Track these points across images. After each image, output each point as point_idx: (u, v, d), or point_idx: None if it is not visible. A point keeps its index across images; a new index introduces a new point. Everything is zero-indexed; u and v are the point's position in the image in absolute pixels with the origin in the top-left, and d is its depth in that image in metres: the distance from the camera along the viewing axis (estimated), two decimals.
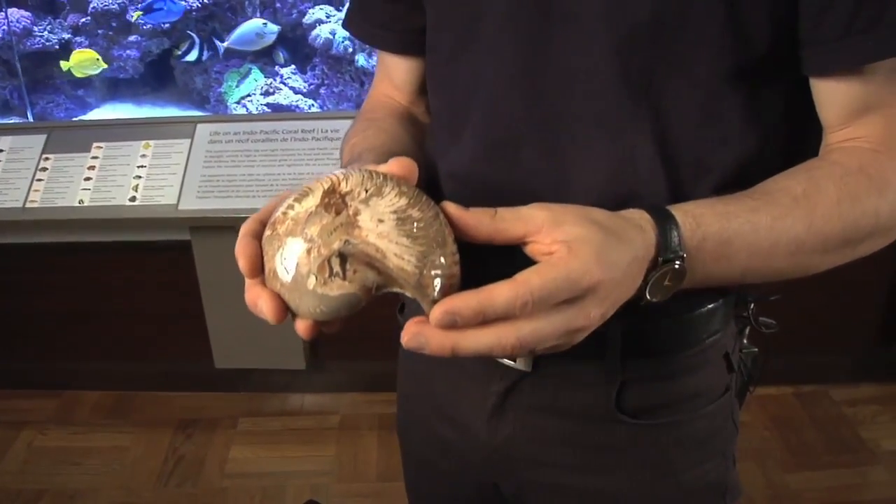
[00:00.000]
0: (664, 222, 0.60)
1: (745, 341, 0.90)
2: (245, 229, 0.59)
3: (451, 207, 0.56)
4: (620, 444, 0.84)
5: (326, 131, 2.15)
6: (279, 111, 2.43)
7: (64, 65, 2.42)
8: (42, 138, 2.20)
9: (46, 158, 2.16)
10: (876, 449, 2.31)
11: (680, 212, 0.62)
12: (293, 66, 2.49)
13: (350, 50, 2.39)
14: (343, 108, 2.45)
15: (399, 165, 0.57)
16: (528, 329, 0.53)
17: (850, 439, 2.35)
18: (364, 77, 2.43)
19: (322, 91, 2.48)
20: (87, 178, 2.11)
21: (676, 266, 0.60)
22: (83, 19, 2.46)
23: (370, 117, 0.88)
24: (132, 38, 2.47)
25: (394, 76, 0.92)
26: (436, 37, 0.81)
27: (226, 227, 2.06)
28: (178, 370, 2.53)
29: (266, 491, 2.20)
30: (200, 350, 2.36)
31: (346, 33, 2.33)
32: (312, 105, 2.47)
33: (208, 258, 2.22)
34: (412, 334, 0.54)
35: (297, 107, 2.45)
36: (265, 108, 2.44)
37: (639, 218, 0.61)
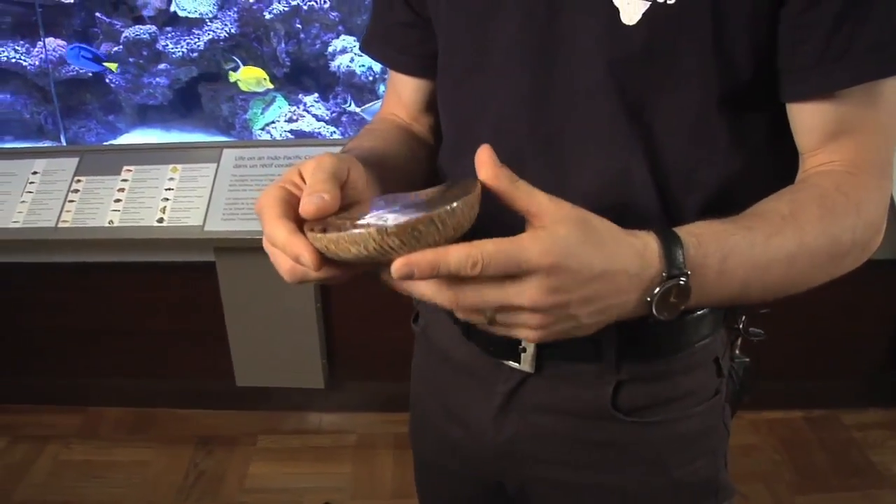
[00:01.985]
0: (669, 242, 0.65)
1: (737, 351, 0.94)
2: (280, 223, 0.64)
3: (485, 153, 0.62)
4: (617, 441, 0.89)
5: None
6: (302, 138, 2.49)
7: (232, 76, 2.52)
8: (74, 161, 2.27)
9: (78, 180, 2.23)
10: (886, 472, 2.33)
11: (683, 232, 0.67)
12: (316, 94, 2.57)
13: (371, 79, 2.47)
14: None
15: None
16: (469, 288, 0.58)
17: (860, 463, 2.37)
18: None
19: (344, 119, 2.55)
20: (118, 200, 2.18)
21: (681, 282, 0.64)
22: (115, 48, 2.55)
23: (372, 128, 0.95)
24: (161, 66, 2.56)
25: (402, 95, 0.99)
26: (447, 61, 0.88)
27: (249, 248, 2.12)
28: (199, 388, 2.58)
29: None
30: (222, 368, 2.42)
31: (368, 63, 2.42)
32: (334, 132, 2.54)
33: (232, 278, 2.29)
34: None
35: (319, 133, 2.51)
36: (288, 134, 2.50)
37: (644, 238, 0.65)
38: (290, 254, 0.61)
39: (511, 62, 0.79)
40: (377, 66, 2.46)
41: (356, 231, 0.57)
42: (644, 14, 0.72)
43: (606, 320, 0.65)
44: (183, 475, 2.36)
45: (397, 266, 0.56)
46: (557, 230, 0.59)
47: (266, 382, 2.47)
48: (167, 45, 2.52)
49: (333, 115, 2.56)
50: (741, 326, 0.92)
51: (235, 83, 2.52)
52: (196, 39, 2.50)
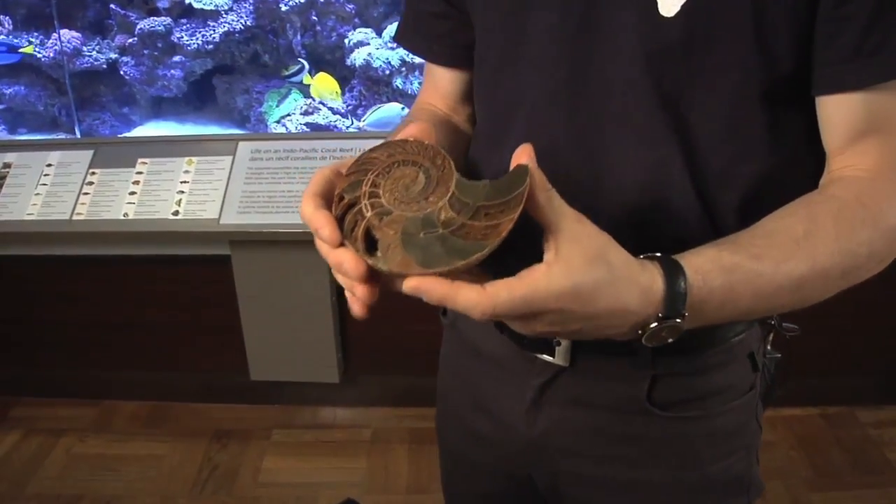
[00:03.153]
0: (674, 283, 0.64)
1: (768, 346, 0.94)
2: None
3: (526, 152, 0.62)
4: (651, 436, 0.89)
5: (364, 150, 2.18)
6: (318, 130, 2.49)
7: (306, 79, 2.54)
8: (89, 154, 2.27)
9: (93, 173, 2.23)
10: None
11: (692, 268, 0.65)
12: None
13: (388, 72, 2.46)
14: (383, 128, 2.50)
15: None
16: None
17: (877, 461, 2.36)
18: (400, 98, 2.49)
19: (360, 111, 2.54)
20: (132, 193, 2.18)
21: (676, 322, 0.65)
22: (130, 40, 2.54)
23: (411, 119, 0.94)
24: (176, 58, 2.55)
25: (439, 86, 0.98)
26: (483, 51, 0.87)
27: (265, 241, 2.12)
28: (214, 381, 2.58)
29: (299, 500, 2.24)
30: (237, 362, 2.41)
31: (385, 56, 2.40)
32: (350, 125, 2.53)
33: (247, 272, 2.27)
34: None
35: (335, 126, 2.50)
36: (304, 127, 2.49)
37: (651, 273, 0.64)
38: (311, 227, 0.63)
39: (547, 54, 0.78)
40: (395, 60, 2.45)
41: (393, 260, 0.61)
42: (682, 6, 0.71)
43: (590, 338, 0.66)
44: (197, 469, 2.36)
45: (410, 286, 0.58)
46: (574, 269, 0.59)
47: (280, 377, 2.47)
48: (182, 37, 2.51)
49: (349, 107, 2.55)
50: (774, 322, 0.92)
51: (242, 74, 2.50)
52: (211, 31, 2.49)
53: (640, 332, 0.65)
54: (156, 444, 2.46)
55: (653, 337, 0.65)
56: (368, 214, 0.62)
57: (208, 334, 2.49)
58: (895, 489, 2.26)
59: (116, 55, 2.58)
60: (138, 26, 2.51)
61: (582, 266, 0.59)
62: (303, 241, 2.07)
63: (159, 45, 2.54)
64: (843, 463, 2.36)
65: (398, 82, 2.46)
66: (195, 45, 2.51)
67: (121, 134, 2.62)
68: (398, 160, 0.65)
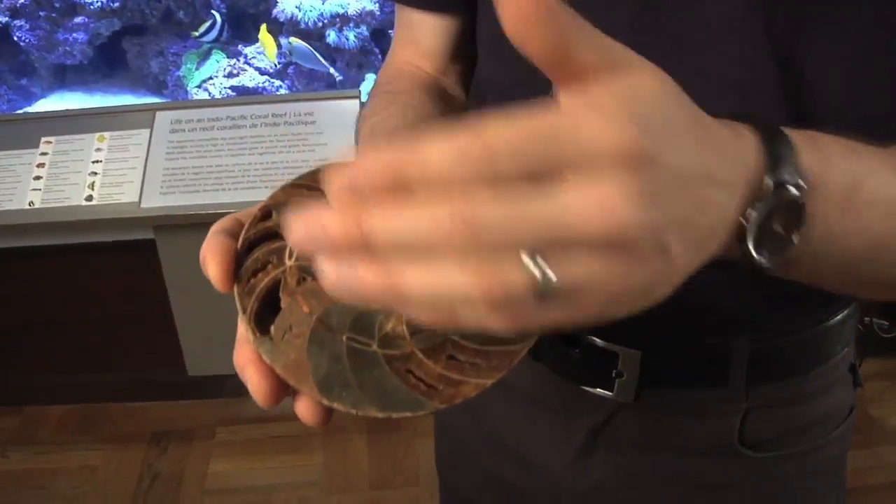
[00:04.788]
0: (774, 136, 0.39)
1: None
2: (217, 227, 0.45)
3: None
4: (739, 482, 0.72)
5: (300, 114, 1.99)
6: (245, 94, 2.27)
7: (262, 34, 2.25)
8: None
9: None
10: (886, 427, 2.23)
11: (797, 133, 0.41)
12: (257, 45, 2.32)
13: (320, 24, 2.22)
14: (315, 88, 2.28)
15: None
16: (483, 198, 0.29)
17: (860, 418, 2.26)
18: (336, 55, 2.26)
19: (290, 70, 2.31)
20: (37, 178, 1.94)
21: (794, 193, 0.38)
22: (21, 0, 2.26)
23: (391, 90, 0.72)
24: (78, 19, 2.27)
25: (421, 40, 0.76)
26: None
27: (193, 224, 1.91)
28: (147, 379, 2.38)
29: None
30: (171, 357, 2.20)
31: (315, 6, 2.17)
32: (281, 87, 2.31)
33: (175, 258, 2.06)
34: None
35: (264, 89, 2.28)
36: (229, 91, 2.27)
37: (733, 125, 0.39)
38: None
39: None
40: (327, 10, 2.21)
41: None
42: None
43: (696, 259, 0.35)
44: (136, 479, 2.16)
45: (331, 177, 0.30)
46: (640, 80, 0.33)
47: (221, 370, 2.26)
48: None
49: (279, 67, 2.31)
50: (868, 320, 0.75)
51: (155, 35, 2.25)
52: None
53: (743, 221, 0.38)
54: (88, 453, 2.25)
55: (765, 232, 0.38)
56: (290, 262, 0.42)
57: (138, 328, 2.28)
58: (884, 448, 2.16)
59: (7, 18, 2.29)
60: None
61: (653, 77, 0.34)
62: None
63: (57, 4, 2.26)
64: None
65: (332, 36, 2.23)
66: (98, 4, 2.24)
67: (19, 109, 2.37)
68: None
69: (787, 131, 0.40)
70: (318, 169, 0.45)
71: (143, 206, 1.89)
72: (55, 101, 2.41)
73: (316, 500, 2.06)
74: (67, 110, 2.23)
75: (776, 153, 0.38)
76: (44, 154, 1.98)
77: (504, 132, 0.29)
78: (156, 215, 1.90)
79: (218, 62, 2.30)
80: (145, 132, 2.00)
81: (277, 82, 2.30)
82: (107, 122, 2.03)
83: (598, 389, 0.68)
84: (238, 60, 2.30)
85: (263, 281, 0.41)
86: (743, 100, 0.55)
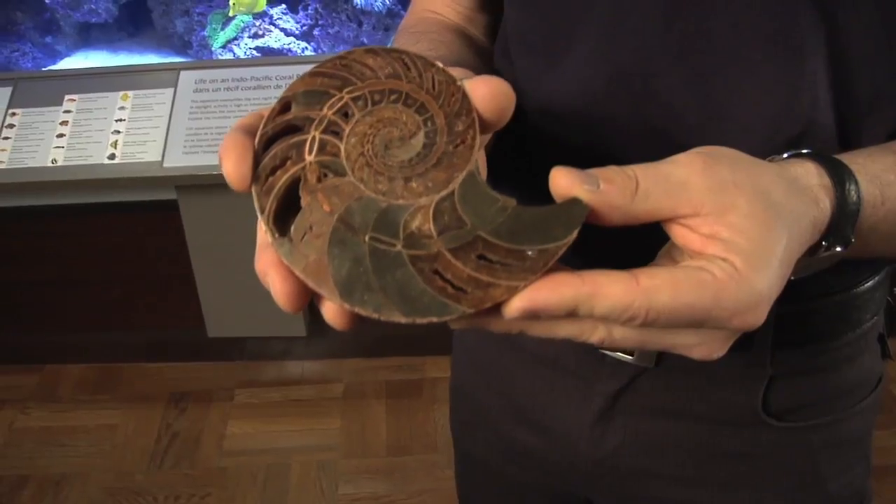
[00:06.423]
0: (845, 194, 0.44)
1: None
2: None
3: (562, 177, 0.38)
4: (761, 452, 0.69)
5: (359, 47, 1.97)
6: (269, 55, 2.24)
7: None
8: (7, 91, 2.00)
9: (13, 114, 1.96)
10: None
11: (863, 174, 0.45)
12: (283, 6, 2.29)
13: None
14: (339, 50, 2.24)
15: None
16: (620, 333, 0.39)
17: (884, 398, 2.22)
18: (362, 17, 2.22)
19: (316, 32, 2.28)
20: (60, 135, 1.93)
21: (837, 250, 0.45)
22: None
23: (417, 31, 0.69)
24: None
25: None
26: None
27: (216, 184, 1.88)
28: (167, 339, 2.36)
29: (269, 469, 2.04)
30: (192, 317, 2.21)
31: None
32: (306, 48, 2.27)
33: (197, 218, 2.05)
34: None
35: (289, 50, 2.25)
36: (254, 52, 2.24)
37: (818, 195, 0.44)
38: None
39: None
40: None
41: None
42: None
43: None
44: (154, 438, 2.15)
45: (515, 308, 0.37)
46: (748, 229, 0.39)
47: (240, 332, 2.25)
48: None
49: (304, 28, 2.28)
50: None
51: None
52: None
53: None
54: (107, 412, 2.24)
55: (802, 268, 0.47)
56: (309, 158, 0.39)
57: (158, 288, 2.27)
58: None
59: None
60: None
61: (764, 235, 0.39)
62: None
63: None
64: None
65: None
66: None
67: (44, 67, 2.33)
68: (400, 90, 0.40)
69: (857, 174, 0.45)
70: (336, 56, 0.42)
71: (165, 165, 1.87)
72: (80, 60, 2.38)
73: (334, 464, 2.04)
74: (92, 68, 2.22)
75: (842, 216, 0.44)
76: (67, 112, 1.96)
77: (670, 303, 0.37)
78: (178, 175, 1.88)
79: (243, 22, 2.27)
80: (169, 91, 1.98)
81: (303, 44, 2.27)
82: (131, 80, 2.02)
83: (619, 353, 0.66)
84: (263, 21, 2.27)
85: (282, 179, 0.39)
86: (781, 42, 0.52)
